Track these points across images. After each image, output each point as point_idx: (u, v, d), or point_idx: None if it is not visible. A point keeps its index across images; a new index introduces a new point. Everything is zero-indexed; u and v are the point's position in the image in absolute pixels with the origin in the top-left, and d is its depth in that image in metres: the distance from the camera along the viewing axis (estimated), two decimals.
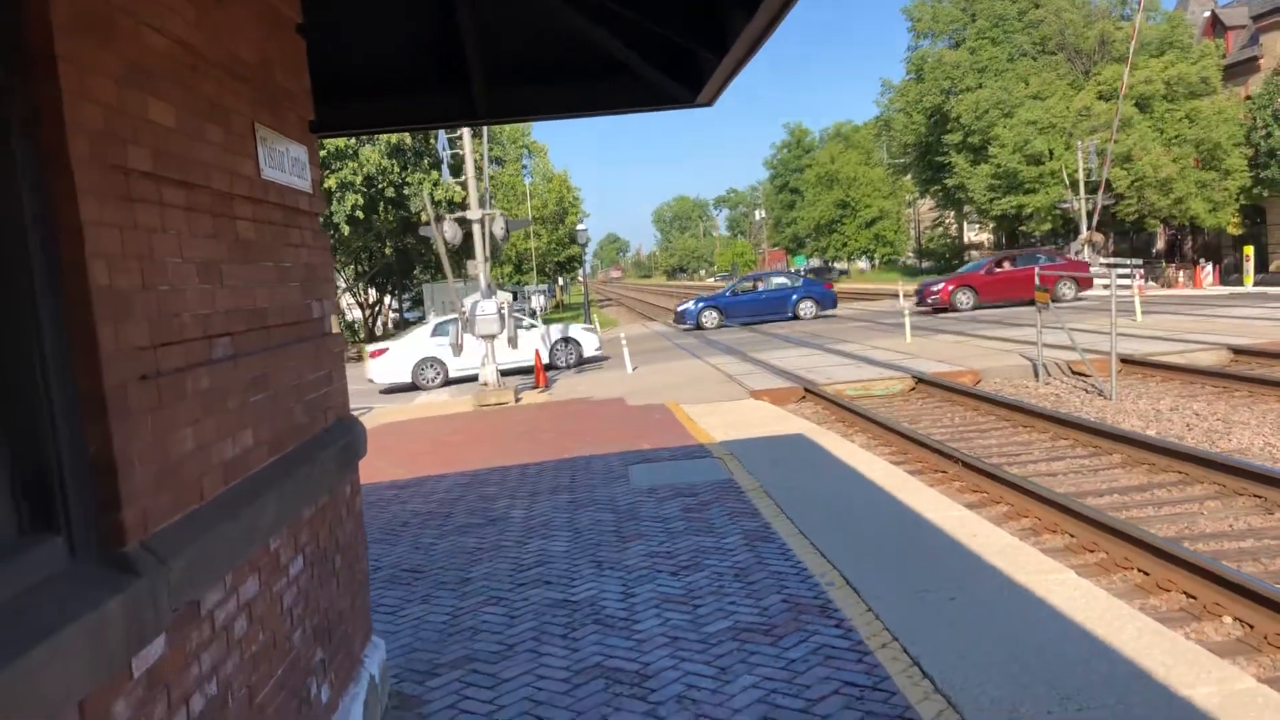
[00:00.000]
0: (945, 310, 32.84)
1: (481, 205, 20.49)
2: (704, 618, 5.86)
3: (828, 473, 9.54)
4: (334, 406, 4.78)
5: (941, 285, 34.19)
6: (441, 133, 22.00)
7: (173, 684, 2.67)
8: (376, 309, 54.40)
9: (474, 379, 23.06)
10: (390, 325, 52.58)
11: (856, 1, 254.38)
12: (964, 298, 33.07)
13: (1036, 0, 53.63)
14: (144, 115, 2.89)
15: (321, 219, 18.00)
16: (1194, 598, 6.27)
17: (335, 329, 4.94)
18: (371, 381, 24.85)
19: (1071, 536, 7.74)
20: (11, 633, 2.03)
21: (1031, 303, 31.96)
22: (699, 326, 35.94)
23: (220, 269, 3.39)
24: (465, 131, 20.30)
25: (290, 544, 3.82)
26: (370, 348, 26.67)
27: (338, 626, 4.43)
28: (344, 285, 50.26)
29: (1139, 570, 6.84)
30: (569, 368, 25.76)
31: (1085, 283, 32.84)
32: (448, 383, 24.79)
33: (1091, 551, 7.39)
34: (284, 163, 4.31)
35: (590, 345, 26.49)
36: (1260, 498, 8.27)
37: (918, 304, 34.48)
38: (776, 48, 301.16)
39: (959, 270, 38.61)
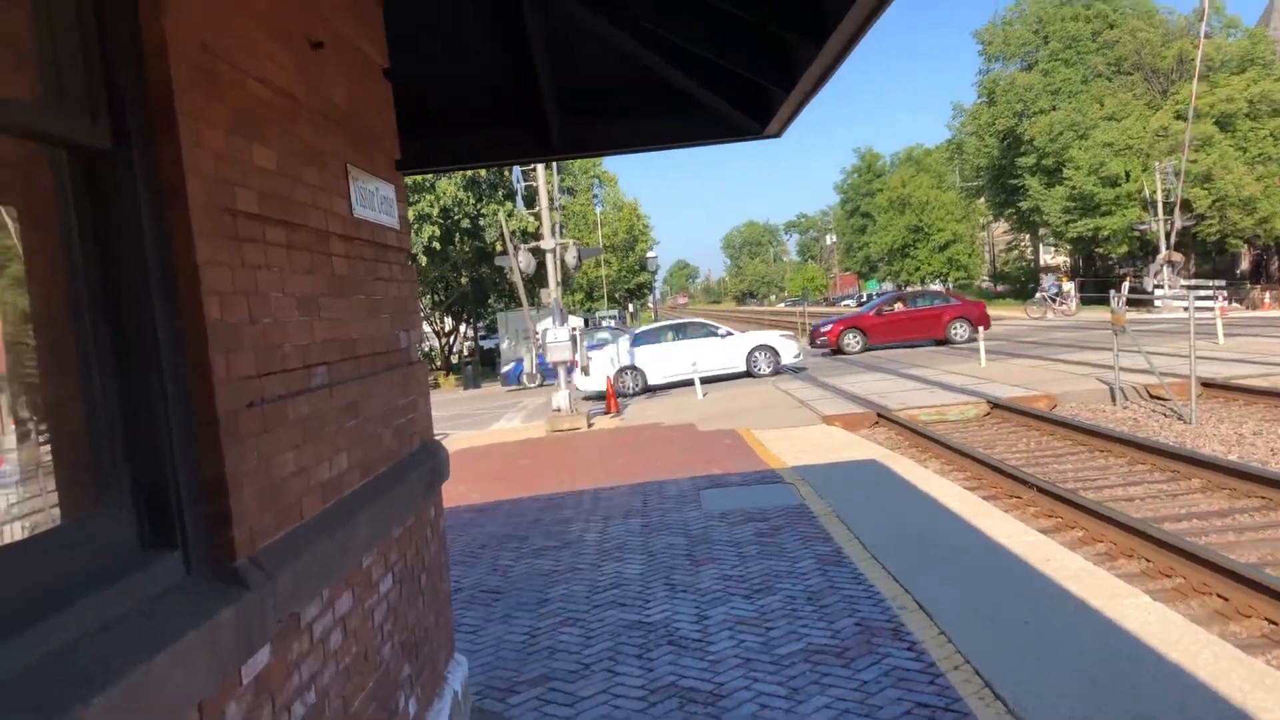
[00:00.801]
0: (838, 352, 32.19)
1: (554, 235, 20.81)
2: (776, 640, 5.95)
3: (900, 498, 9.55)
4: (419, 431, 4.98)
5: (830, 326, 33.51)
6: (516, 166, 22.45)
7: (277, 691, 2.86)
8: (453, 337, 55.20)
9: (678, 385, 24.95)
10: (465, 353, 53.25)
11: (927, 26, 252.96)
12: (852, 340, 32.39)
13: (1111, 20, 52.97)
14: (250, 160, 3.12)
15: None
16: (1275, 624, 6.20)
17: (419, 358, 5.15)
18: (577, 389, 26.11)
19: (1148, 561, 7.67)
20: (140, 639, 2.22)
21: (921, 344, 31.36)
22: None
23: (318, 302, 3.61)
24: (539, 167, 20.67)
25: (381, 562, 4.01)
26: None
27: (424, 643, 4.62)
28: (422, 314, 51.10)
29: (1218, 596, 6.76)
30: (772, 373, 26.04)
31: (981, 321, 30.72)
32: (646, 389, 25.67)
33: (1168, 576, 7.32)
34: (374, 201, 4.54)
35: (788, 352, 26.96)
36: None
37: (810, 344, 34.08)
38: (846, 75, 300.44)
39: (851, 312, 37.59)
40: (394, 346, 4.64)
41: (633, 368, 25.58)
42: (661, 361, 25.79)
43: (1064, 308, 43.34)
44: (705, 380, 23.95)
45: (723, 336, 26.77)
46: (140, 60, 2.63)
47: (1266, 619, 6.28)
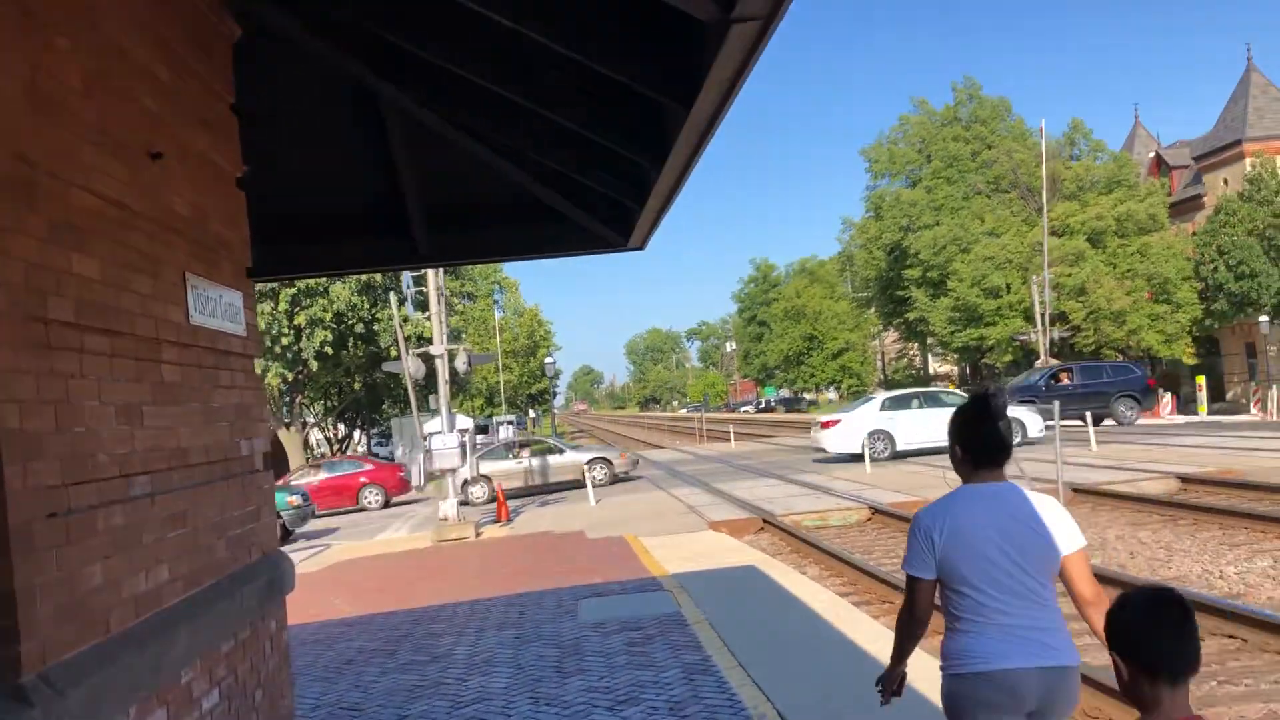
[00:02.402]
0: None
1: (443, 341, 20.79)
2: None
3: (773, 605, 9.61)
4: (260, 542, 4.90)
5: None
6: (406, 272, 22.48)
7: None
8: (345, 444, 54.26)
9: (920, 453, 25.07)
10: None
11: (817, 142, 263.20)
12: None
13: (989, 141, 55.75)
14: (68, 269, 3.12)
15: (291, 354, 18.23)
16: None
17: (264, 466, 5.09)
18: (822, 450, 26.77)
19: None
20: None
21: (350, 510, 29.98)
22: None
23: (141, 410, 3.58)
24: (429, 273, 20.74)
25: (205, 677, 3.90)
26: (822, 418, 28.34)
27: None
28: (313, 420, 50.20)
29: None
30: (881, 459, 25.58)
31: (397, 487, 30.11)
32: (895, 456, 25.72)
33: None
34: (216, 309, 4.54)
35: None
36: None
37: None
38: (741, 188, 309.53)
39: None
40: (233, 454, 4.59)
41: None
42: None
43: None
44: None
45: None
46: None
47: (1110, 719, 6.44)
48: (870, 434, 25.62)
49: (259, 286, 26.27)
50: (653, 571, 12.22)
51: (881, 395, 28.20)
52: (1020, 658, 3.15)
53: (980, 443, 3.33)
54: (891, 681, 3.59)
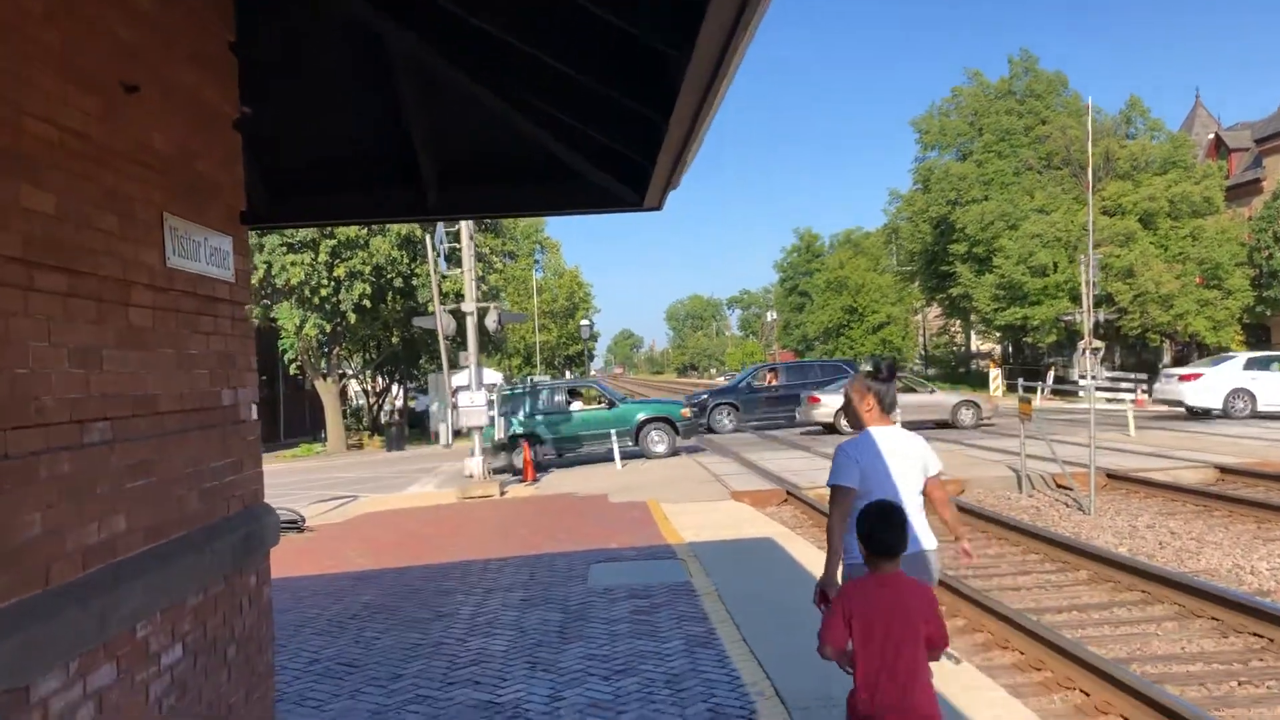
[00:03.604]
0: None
1: (474, 298, 20.67)
2: None
3: (786, 579, 9.41)
4: (242, 495, 4.78)
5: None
6: (440, 225, 22.33)
7: None
8: (383, 397, 54.56)
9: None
10: (396, 415, 52.46)
11: (866, 112, 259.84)
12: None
13: (1043, 116, 54.58)
14: (14, 202, 2.96)
15: (330, 306, 18.29)
16: None
17: (251, 417, 4.96)
18: (1187, 407, 27.58)
19: (1021, 654, 7.59)
20: None
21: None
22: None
23: (101, 354, 3.43)
24: (464, 227, 20.59)
25: (166, 631, 3.78)
26: (1181, 371, 29.27)
27: (226, 719, 4.36)
28: (351, 372, 50.50)
29: (1080, 691, 6.68)
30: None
31: None
32: (1254, 415, 26.17)
33: (1038, 670, 7.23)
34: (200, 252, 4.38)
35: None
36: (1218, 620, 8.12)
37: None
38: (786, 157, 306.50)
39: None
40: (212, 404, 4.44)
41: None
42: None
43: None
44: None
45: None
46: None
47: (1121, 715, 6.19)
48: (1231, 392, 26.62)
49: (299, 237, 26.33)
50: (668, 539, 12.08)
51: (1244, 355, 28.76)
52: None
53: (885, 396, 4.97)
54: (831, 590, 4.46)
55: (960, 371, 66.88)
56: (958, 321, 68.57)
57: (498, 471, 22.30)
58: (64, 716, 3.04)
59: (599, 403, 25.43)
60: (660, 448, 24.20)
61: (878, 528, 3.85)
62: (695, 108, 4.33)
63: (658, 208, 6.77)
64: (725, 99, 4.59)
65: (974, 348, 72.73)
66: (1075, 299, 44.96)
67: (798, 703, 5.90)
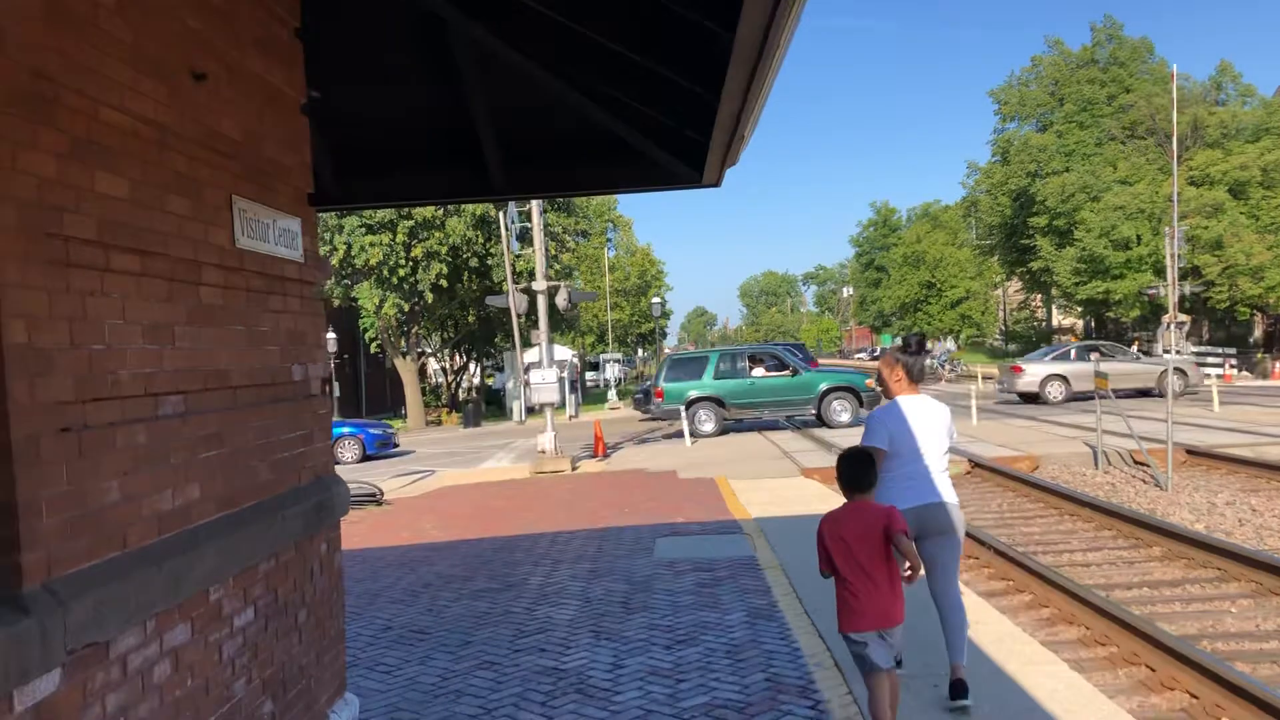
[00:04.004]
0: None
1: (546, 276, 20.88)
2: (684, 693, 5.86)
3: None
4: (313, 466, 4.96)
5: None
6: (511, 204, 22.56)
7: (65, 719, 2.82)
8: (460, 374, 55.34)
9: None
10: (473, 392, 53.22)
11: (943, 82, 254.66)
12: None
13: (1127, 85, 53.13)
14: (90, 187, 3.13)
15: (408, 286, 18.69)
16: (1196, 698, 6.06)
17: (322, 391, 5.14)
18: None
19: (1087, 629, 7.54)
20: None
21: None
22: None
23: (173, 330, 3.60)
24: (534, 206, 20.78)
25: (238, 595, 3.97)
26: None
27: (297, 680, 4.56)
28: (430, 351, 51.34)
29: (1146, 666, 6.63)
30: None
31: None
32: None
33: (1102, 645, 7.19)
34: (268, 233, 4.55)
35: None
36: None
37: None
38: (861, 129, 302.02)
39: None
40: (283, 379, 4.63)
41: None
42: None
43: (949, 374, 46.29)
44: None
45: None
46: None
47: (1188, 692, 6.14)
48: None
49: (377, 218, 26.81)
50: (735, 514, 12.16)
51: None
52: (908, 499, 5.31)
53: (915, 368, 5.65)
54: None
55: (1041, 347, 65.60)
56: (1038, 296, 67.27)
57: (668, 438, 22.77)
58: (142, 671, 3.23)
59: (781, 370, 25.26)
60: (844, 416, 24.10)
61: (848, 469, 4.83)
62: (744, 84, 4.37)
63: (716, 184, 6.82)
64: (782, 74, 4.65)
65: (1055, 322, 71.28)
66: (1159, 272, 43.80)
67: (855, 673, 5.94)
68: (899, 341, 5.84)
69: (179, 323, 3.65)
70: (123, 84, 3.37)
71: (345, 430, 25.36)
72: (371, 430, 26.37)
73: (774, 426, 25.59)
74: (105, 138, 3.24)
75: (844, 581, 4.69)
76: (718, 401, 24.22)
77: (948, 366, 51.75)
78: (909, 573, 4.59)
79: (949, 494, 5.46)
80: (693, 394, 24.30)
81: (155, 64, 3.58)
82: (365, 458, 25.32)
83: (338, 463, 23.96)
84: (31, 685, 2.65)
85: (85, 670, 2.92)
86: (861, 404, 24.11)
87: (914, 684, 5.64)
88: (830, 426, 23.85)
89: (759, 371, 25.14)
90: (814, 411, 24.27)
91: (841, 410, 24.18)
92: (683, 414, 23.45)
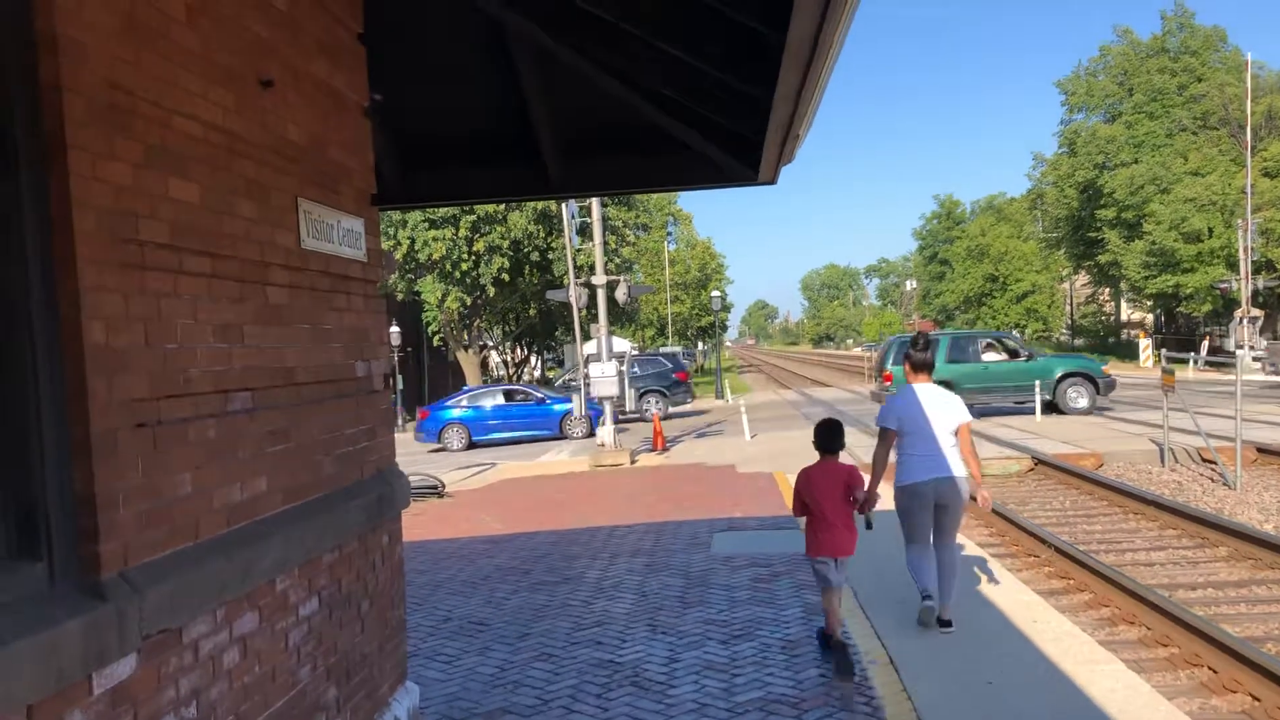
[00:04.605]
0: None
1: (608, 271, 20.99)
2: (739, 687, 5.92)
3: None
4: (376, 460, 5.10)
5: None
6: (572, 200, 22.72)
7: (142, 702, 2.95)
8: (522, 367, 55.82)
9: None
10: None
11: (1009, 73, 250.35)
12: None
13: (1199, 74, 51.94)
14: (163, 193, 3.27)
15: (470, 280, 18.99)
16: (1259, 700, 5.98)
17: (382, 387, 5.27)
18: None
19: (1148, 629, 7.46)
20: None
21: None
22: None
23: (242, 329, 3.74)
24: (594, 202, 20.89)
25: (303, 585, 4.11)
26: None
27: (359, 669, 4.70)
28: (492, 344, 51.89)
29: (1208, 668, 6.55)
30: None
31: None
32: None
33: (1164, 645, 7.11)
34: (333, 234, 4.69)
35: None
36: None
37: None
38: (925, 120, 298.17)
39: None
40: (347, 375, 4.76)
41: None
42: None
43: None
44: None
45: None
46: (36, 96, 2.79)
47: (1250, 694, 6.06)
48: None
49: (440, 214, 27.18)
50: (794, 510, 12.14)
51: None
52: (922, 474, 6.69)
53: (922, 361, 6.90)
54: (870, 502, 6.51)
55: (1110, 341, 64.43)
56: (1106, 290, 66.08)
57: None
58: (213, 657, 3.37)
59: (1015, 356, 24.85)
60: (1081, 402, 23.66)
61: (821, 434, 6.49)
62: (797, 86, 4.41)
63: (772, 182, 6.85)
64: (841, 68, 4.67)
65: (1124, 317, 69.93)
66: (1232, 266, 42.81)
67: (910, 669, 5.97)
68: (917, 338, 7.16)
69: (247, 322, 3.78)
70: (193, 92, 3.50)
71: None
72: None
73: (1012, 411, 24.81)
74: (177, 145, 3.38)
75: (812, 520, 6.39)
76: (948, 386, 23.75)
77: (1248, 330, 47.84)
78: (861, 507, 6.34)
79: (959, 468, 6.68)
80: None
81: (224, 72, 3.71)
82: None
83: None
84: (109, 668, 2.78)
85: (159, 655, 3.06)
86: (1099, 390, 23.72)
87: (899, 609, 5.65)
88: (1064, 412, 23.33)
89: (991, 356, 24.71)
90: (1048, 397, 23.65)
91: (1078, 396, 23.71)
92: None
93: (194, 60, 3.50)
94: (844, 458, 6.65)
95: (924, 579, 6.83)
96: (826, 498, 6.21)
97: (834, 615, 6.37)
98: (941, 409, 6.70)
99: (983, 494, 7.18)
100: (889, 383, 24.15)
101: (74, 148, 2.82)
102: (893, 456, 6.97)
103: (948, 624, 6.67)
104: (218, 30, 3.67)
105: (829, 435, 6.43)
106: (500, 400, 28.92)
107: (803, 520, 6.62)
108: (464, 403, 28.82)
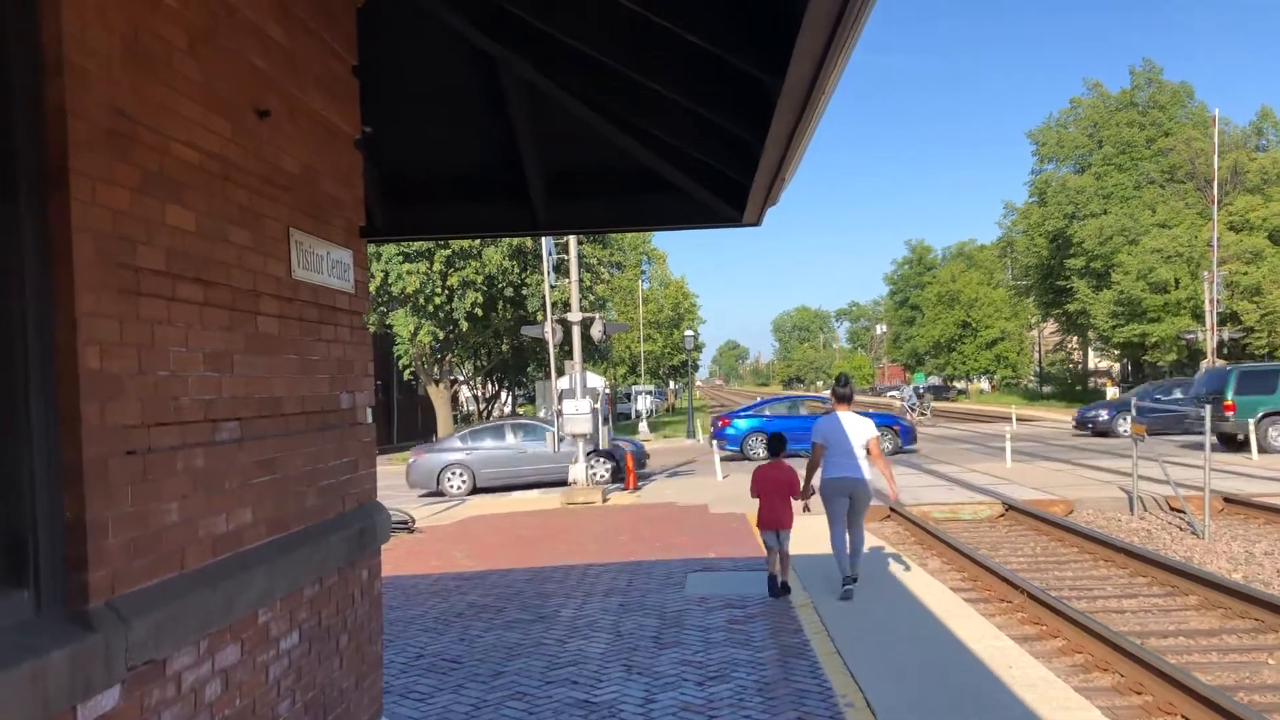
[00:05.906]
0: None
1: (583, 309, 21.02)
2: None
3: (883, 594, 9.43)
4: (357, 493, 5.06)
5: None
6: (549, 238, 22.79)
7: None
8: (492, 403, 55.62)
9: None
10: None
11: (980, 122, 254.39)
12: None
13: (1166, 129, 52.95)
14: (160, 220, 3.26)
15: (443, 314, 19.02)
16: None
17: (367, 420, 5.24)
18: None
19: (1121, 676, 7.49)
20: None
21: None
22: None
23: (232, 358, 3.72)
24: (571, 239, 20.97)
25: (285, 618, 4.06)
26: None
27: (336, 704, 4.63)
28: (462, 378, 51.69)
29: (1182, 716, 6.58)
30: None
31: None
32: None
33: (1137, 693, 7.14)
34: (322, 265, 4.68)
35: None
36: None
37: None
38: (898, 166, 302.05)
39: None
40: (332, 407, 4.73)
41: None
42: None
43: (921, 415, 47.55)
44: None
45: None
46: (40, 119, 2.79)
47: None
48: None
49: (414, 247, 27.15)
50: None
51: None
52: (838, 473, 9.19)
53: (842, 394, 9.60)
54: (806, 494, 9.48)
55: (1077, 389, 65.07)
56: (1074, 338, 66.84)
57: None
58: (195, 689, 3.31)
59: None
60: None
61: (770, 443, 9.74)
62: (790, 130, 4.47)
63: (756, 223, 6.92)
64: (824, 118, 4.74)
65: (1091, 365, 70.70)
66: (1198, 317, 43.46)
67: (885, 713, 5.95)
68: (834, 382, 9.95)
69: (237, 351, 3.76)
70: (192, 120, 3.50)
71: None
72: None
73: None
74: (175, 172, 3.37)
75: (762, 503, 9.28)
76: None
77: (916, 408, 50.75)
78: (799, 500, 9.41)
79: (865, 471, 9.21)
80: (1262, 410, 23.72)
81: (223, 101, 3.72)
82: None
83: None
84: (94, 700, 2.74)
85: (143, 686, 3.01)
86: None
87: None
88: (1266, 451, 23.03)
89: None
90: None
91: (1278, 436, 23.79)
92: (1250, 427, 22.91)
93: (194, 89, 3.51)
94: (817, 504, 9.32)
95: (843, 564, 9.18)
96: (773, 490, 9.21)
97: (775, 566, 9.38)
98: (855, 429, 9.17)
99: (892, 488, 9.88)
100: (1231, 412, 23.87)
101: (75, 171, 2.81)
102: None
103: (853, 579, 9.17)
104: (218, 60, 3.68)
105: (776, 444, 9.64)
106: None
107: (756, 501, 9.32)
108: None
